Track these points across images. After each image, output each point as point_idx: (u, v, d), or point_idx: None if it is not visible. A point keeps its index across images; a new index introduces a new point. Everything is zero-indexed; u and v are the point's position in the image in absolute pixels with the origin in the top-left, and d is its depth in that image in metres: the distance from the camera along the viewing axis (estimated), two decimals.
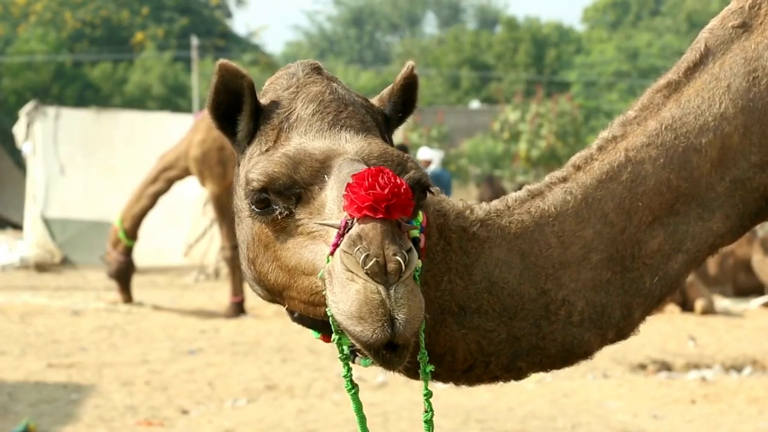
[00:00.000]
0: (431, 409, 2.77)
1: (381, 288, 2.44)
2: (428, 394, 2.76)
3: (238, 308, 15.12)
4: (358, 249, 2.45)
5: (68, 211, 21.58)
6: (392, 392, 10.01)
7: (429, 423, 2.78)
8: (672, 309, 15.59)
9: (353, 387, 2.77)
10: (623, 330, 3.14)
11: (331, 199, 2.64)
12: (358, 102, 2.93)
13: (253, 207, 2.74)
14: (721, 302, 16.66)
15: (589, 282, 3.05)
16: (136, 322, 14.36)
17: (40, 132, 21.80)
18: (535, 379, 10.41)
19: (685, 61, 3.25)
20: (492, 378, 3.14)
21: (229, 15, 75.37)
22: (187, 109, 48.86)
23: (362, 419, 2.79)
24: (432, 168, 19.88)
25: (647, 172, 3.03)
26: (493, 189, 23.93)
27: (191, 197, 19.85)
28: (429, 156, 20.60)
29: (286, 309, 2.94)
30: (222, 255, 15.95)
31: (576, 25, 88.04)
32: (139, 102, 57.17)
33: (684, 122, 3.06)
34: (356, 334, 2.47)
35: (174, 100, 59.18)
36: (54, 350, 12.04)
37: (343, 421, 8.77)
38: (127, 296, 15.75)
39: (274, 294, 2.85)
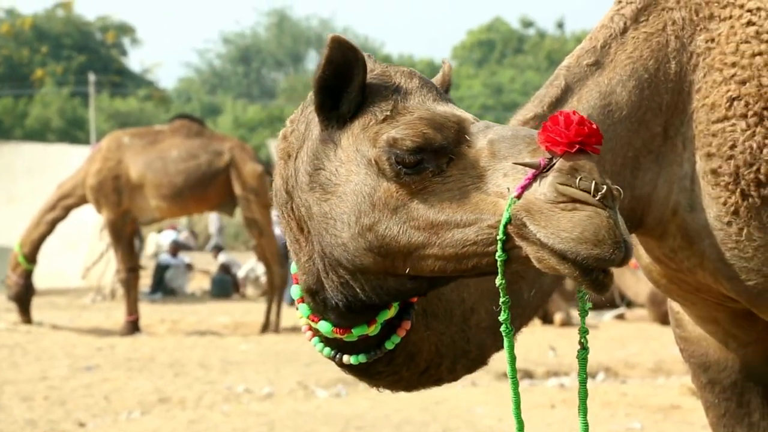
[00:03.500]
0: (587, 346, 2.66)
1: (611, 212, 2.39)
2: (585, 331, 2.64)
3: (133, 326, 14.95)
4: (582, 178, 2.39)
5: None
6: (277, 403, 9.96)
7: (584, 360, 2.65)
8: (534, 321, 15.72)
9: (510, 329, 2.64)
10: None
11: (489, 153, 2.55)
12: None
13: (401, 168, 2.59)
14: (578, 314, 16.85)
15: (486, 292, 3.07)
16: (36, 341, 14.06)
17: None
18: None
19: (548, 96, 3.30)
20: (437, 380, 3.14)
21: (124, 53, 74.65)
22: (85, 141, 48.16)
23: (513, 359, 2.65)
24: None
25: None
26: None
27: (89, 223, 19.56)
28: None
29: (334, 289, 2.80)
30: (118, 277, 15.76)
31: None
32: (39, 135, 56.25)
33: None
34: (592, 256, 2.36)
35: (72, 132, 58.38)
36: None
37: (231, 430, 8.69)
38: (27, 318, 15.44)
39: (396, 258, 2.65)
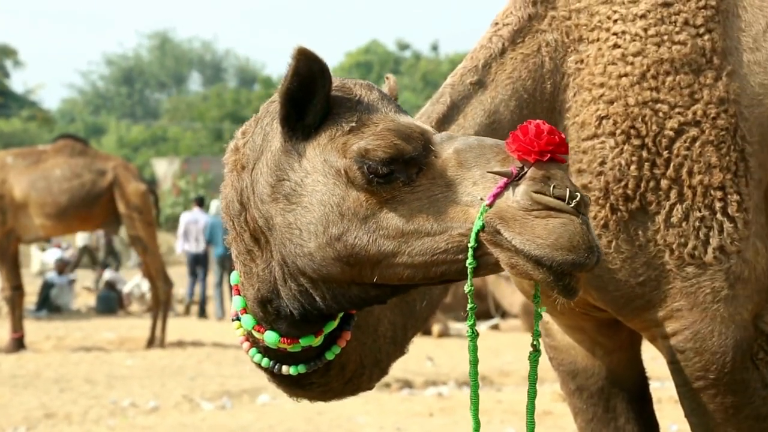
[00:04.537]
0: (539, 348, 2.65)
1: (584, 219, 2.39)
2: (538, 334, 2.63)
3: (18, 343, 14.68)
4: (555, 186, 2.38)
5: None
6: (163, 416, 9.83)
7: (536, 361, 2.63)
8: None
9: (476, 334, 2.68)
10: (402, 347, 3.20)
11: (457, 162, 2.52)
12: None
13: (373, 177, 2.53)
14: (455, 326, 16.98)
15: (388, 304, 3.04)
16: None
17: None
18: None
19: (435, 113, 3.33)
20: (356, 389, 3.11)
21: (6, 75, 73.21)
22: None
23: (476, 362, 2.64)
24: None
25: None
26: None
27: None
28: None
29: (291, 297, 2.73)
30: (2, 295, 15.43)
31: None
32: None
33: None
34: (567, 262, 2.37)
35: None
36: None
37: None
38: None
39: (364, 267, 2.60)
